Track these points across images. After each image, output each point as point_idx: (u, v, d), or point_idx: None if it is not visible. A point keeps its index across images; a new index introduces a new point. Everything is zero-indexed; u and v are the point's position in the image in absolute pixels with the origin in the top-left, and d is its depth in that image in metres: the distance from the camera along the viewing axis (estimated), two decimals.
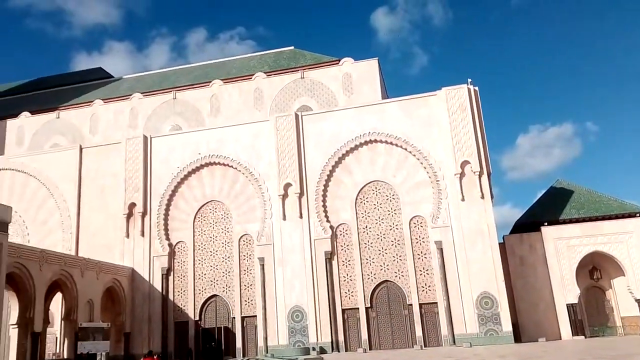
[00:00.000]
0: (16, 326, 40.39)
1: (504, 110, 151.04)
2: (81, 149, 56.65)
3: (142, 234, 52.12)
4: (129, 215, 52.75)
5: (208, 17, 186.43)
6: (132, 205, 52.86)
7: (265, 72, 63.46)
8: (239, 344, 48.58)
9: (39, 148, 64.05)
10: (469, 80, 49.82)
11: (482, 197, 46.70)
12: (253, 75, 63.70)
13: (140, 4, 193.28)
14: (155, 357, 15.91)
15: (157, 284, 50.84)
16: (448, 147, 48.05)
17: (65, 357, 44.05)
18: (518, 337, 46.56)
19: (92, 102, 67.25)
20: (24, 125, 67.29)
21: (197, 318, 50.03)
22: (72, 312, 43.49)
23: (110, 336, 45.62)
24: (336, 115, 51.71)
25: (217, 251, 51.44)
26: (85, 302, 44.40)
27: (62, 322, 45.73)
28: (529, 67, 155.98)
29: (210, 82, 64.51)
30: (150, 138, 55.29)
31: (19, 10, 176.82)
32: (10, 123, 67.47)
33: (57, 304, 46.23)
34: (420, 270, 47.09)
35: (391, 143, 49.49)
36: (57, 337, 47.41)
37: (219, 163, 52.96)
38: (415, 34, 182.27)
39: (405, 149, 49.03)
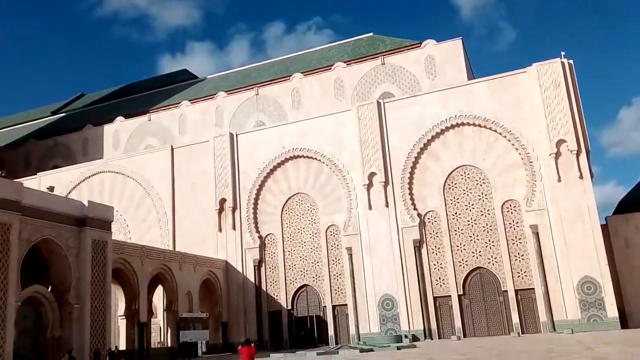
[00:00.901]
0: (124, 317, 43.11)
1: (603, 83, 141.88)
2: (172, 149, 59.18)
3: (234, 228, 53.75)
4: (220, 210, 54.56)
5: (285, 9, 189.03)
6: (223, 200, 54.62)
7: (344, 61, 63.29)
8: (331, 332, 49.07)
9: (134, 150, 67.61)
10: (562, 53, 47.13)
11: (581, 176, 44.08)
12: (332, 65, 63.73)
13: (218, 3, 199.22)
14: (252, 345, 16.16)
15: (250, 275, 52.32)
16: (541, 126, 45.71)
17: (169, 345, 46.38)
18: (625, 323, 43.65)
19: (179, 103, 70.05)
20: (119, 129, 71.27)
21: (289, 307, 51.01)
22: (173, 304, 45.69)
23: (209, 325, 47.51)
24: (420, 100, 50.67)
25: (305, 242, 52.10)
26: (185, 293, 46.49)
27: (164, 312, 48.14)
28: (629, 34, 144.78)
29: (291, 75, 65.26)
30: (236, 135, 56.80)
31: (105, 19, 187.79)
32: (107, 128, 71.69)
33: (159, 296, 48.70)
34: (515, 256, 45.27)
35: (479, 125, 47.82)
36: (160, 327, 49.98)
37: (302, 156, 53.52)
38: (500, 8, 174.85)
39: (495, 131, 47.19)
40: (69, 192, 59.32)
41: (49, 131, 78.04)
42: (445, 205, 47.94)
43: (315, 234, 51.86)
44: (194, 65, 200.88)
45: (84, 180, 61.21)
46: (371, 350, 35.28)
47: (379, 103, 51.56)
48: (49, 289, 34.34)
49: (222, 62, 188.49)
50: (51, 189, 40.07)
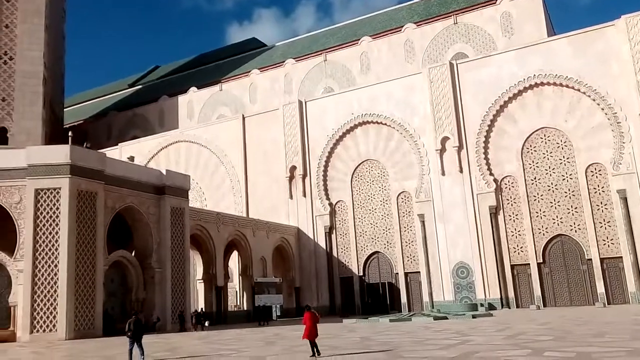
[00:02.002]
0: (202, 281, 44.82)
1: None
2: (243, 118, 59.96)
3: (304, 195, 54.17)
4: (291, 177, 55.05)
5: None
6: (293, 168, 55.02)
7: (414, 22, 61.25)
8: (403, 299, 48.90)
9: (207, 119, 69.12)
10: None
11: None
12: (402, 27, 61.86)
13: None
14: (312, 311, 16.18)
15: (321, 242, 52.78)
16: (631, 84, 42.50)
17: (245, 308, 47.92)
18: None
19: (249, 72, 70.60)
20: (193, 99, 72.92)
21: (361, 274, 51.19)
22: (248, 269, 46.98)
23: (282, 290, 48.65)
24: (495, 59, 48.33)
25: (375, 209, 51.75)
26: (259, 259, 47.64)
27: (240, 277, 49.64)
28: None
29: (359, 39, 64.00)
30: (305, 102, 56.67)
31: None
32: (181, 99, 73.55)
33: (234, 262, 50.22)
34: (600, 223, 42.93)
35: (561, 84, 45.11)
36: (236, 291, 51.67)
37: (372, 121, 52.71)
38: None
39: (578, 90, 44.36)
40: (148, 162, 61.68)
41: (127, 103, 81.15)
42: (524, 169, 45.97)
43: (386, 200, 51.35)
44: (261, 32, 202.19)
45: (161, 149, 63.40)
46: (445, 317, 34.81)
47: (451, 64, 49.66)
48: (133, 254, 36.08)
49: (288, 28, 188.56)
50: (132, 158, 41.65)
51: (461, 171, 47.62)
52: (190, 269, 40.51)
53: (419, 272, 48.44)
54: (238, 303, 51.10)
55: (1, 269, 31.54)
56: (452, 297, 46.15)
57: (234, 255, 49.30)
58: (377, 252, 51.15)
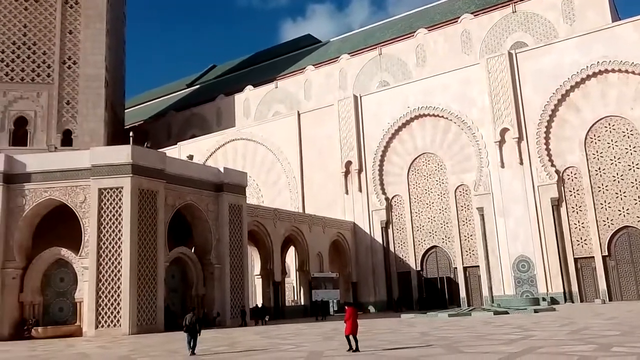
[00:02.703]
0: (259, 276, 45.50)
1: None
2: (299, 114, 60.30)
3: (360, 190, 53.95)
4: (346, 172, 54.95)
5: None
6: (349, 163, 54.88)
7: (471, 13, 59.69)
8: (462, 293, 47.96)
9: (263, 117, 69.95)
10: None
11: None
12: (459, 18, 60.43)
13: None
14: (353, 307, 16.18)
15: (378, 237, 52.44)
16: None
17: (302, 303, 48.28)
18: None
19: (304, 69, 70.87)
20: (249, 98, 73.94)
21: (418, 268, 50.54)
22: (305, 264, 47.31)
23: (339, 285, 48.69)
24: (556, 47, 46.44)
25: (433, 203, 50.91)
26: (315, 254, 47.87)
27: (297, 272, 50.05)
28: None
29: (414, 32, 63.03)
30: (360, 97, 56.37)
31: None
32: (238, 97, 74.73)
33: (291, 257, 50.67)
34: None
35: (626, 71, 42.87)
36: (293, 286, 52.15)
37: (428, 114, 51.84)
38: None
39: None
40: (206, 160, 63.09)
41: (185, 103, 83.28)
42: (587, 160, 44.04)
43: (444, 194, 50.42)
44: (315, 28, 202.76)
45: (219, 148, 64.68)
46: (506, 312, 33.85)
47: (510, 54, 48.12)
48: (193, 250, 36.99)
49: (342, 23, 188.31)
50: (191, 157, 42.82)
51: (521, 163, 46.14)
52: (248, 264, 41.16)
53: (478, 266, 47.35)
54: (295, 298, 51.56)
55: (68, 266, 33.05)
56: (513, 292, 44.86)
57: (291, 251, 49.75)
58: (435, 246, 50.35)
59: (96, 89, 58.41)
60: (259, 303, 42.87)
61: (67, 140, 56.91)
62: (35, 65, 58.04)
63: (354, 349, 15.57)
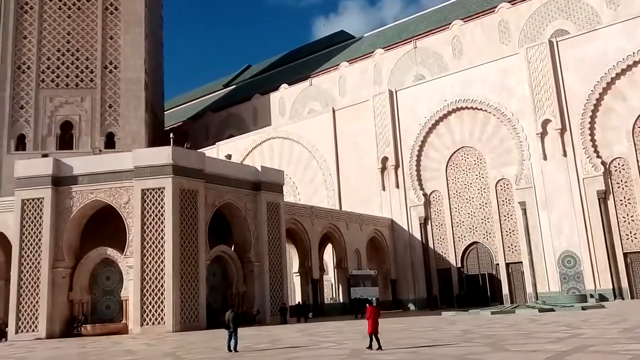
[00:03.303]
0: (298, 274, 45.68)
1: None
2: (334, 111, 60.19)
3: (397, 186, 53.50)
4: (383, 168, 54.57)
5: None
6: (385, 159, 54.50)
7: (509, 2, 58.35)
8: (505, 290, 47.00)
9: (298, 115, 70.15)
10: None
11: None
12: (496, 7, 59.18)
13: None
14: (374, 306, 16.09)
15: (416, 233, 51.92)
16: None
17: (341, 301, 48.25)
18: None
19: (338, 65, 70.71)
20: (284, 96, 74.26)
21: (459, 265, 49.81)
22: (343, 261, 47.23)
23: (378, 283, 48.40)
24: (600, 34, 44.96)
25: (473, 198, 50.06)
26: (353, 251, 47.73)
27: (335, 270, 50.03)
28: None
29: (450, 23, 62.07)
30: (395, 92, 55.87)
31: None
32: (273, 96, 75.15)
33: (329, 254, 50.70)
34: None
35: None
36: (332, 284, 52.17)
37: (466, 107, 50.97)
38: None
39: None
40: (243, 159, 63.69)
41: (222, 103, 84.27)
42: (636, 150, 42.50)
43: (484, 189, 49.52)
44: (348, 24, 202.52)
45: (256, 147, 65.19)
46: (552, 310, 32.99)
47: (550, 42, 46.82)
48: (232, 249, 37.42)
49: (374, 17, 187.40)
50: (229, 157, 43.16)
51: (565, 155, 44.88)
52: (287, 262, 41.35)
53: (521, 262, 46.33)
54: (334, 295, 51.56)
55: (113, 265, 33.91)
56: (558, 288, 43.70)
57: (329, 248, 49.77)
58: (475, 242, 49.51)
59: (137, 92, 59.74)
60: (299, 301, 43.06)
61: (110, 142, 58.43)
62: (79, 71, 59.76)
63: (377, 347, 15.55)
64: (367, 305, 16.45)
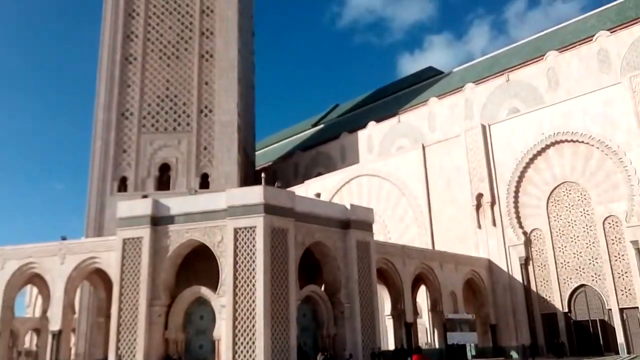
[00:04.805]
0: (390, 317, 44.01)
1: None
2: (423, 147, 58.93)
3: (494, 224, 50.90)
4: (478, 205, 52.26)
5: None
6: (480, 195, 52.22)
7: (608, 30, 55.13)
8: (620, 339, 42.70)
9: (386, 152, 69.41)
10: None
11: None
12: (593, 36, 56.08)
13: None
14: (422, 354, 14.57)
15: (517, 275, 48.81)
16: None
17: (437, 346, 45.87)
18: None
19: (427, 101, 69.63)
20: (372, 133, 73.96)
21: (565, 310, 46.05)
22: (437, 304, 45.08)
23: (476, 328, 45.67)
24: None
25: (578, 236, 46.52)
26: (448, 293, 45.50)
27: (429, 313, 47.90)
28: None
29: (544, 55, 59.48)
30: (488, 126, 53.89)
31: (345, 30, 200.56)
32: (361, 134, 75.09)
33: (422, 296, 48.68)
34: None
35: None
36: (426, 328, 49.91)
37: (566, 140, 48.07)
38: None
39: None
40: (332, 197, 63.56)
41: (311, 142, 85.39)
42: None
43: (590, 226, 45.92)
44: (433, 59, 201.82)
45: (344, 184, 64.96)
46: None
47: None
48: (322, 289, 36.74)
49: (461, 51, 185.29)
50: (318, 195, 43.09)
51: None
52: (378, 304, 40.01)
53: (637, 307, 42.04)
54: (429, 340, 49.19)
55: (207, 304, 34.25)
56: None
57: (422, 290, 47.82)
58: (583, 285, 45.69)
59: (230, 134, 61.89)
60: (397, 345, 41.19)
61: (204, 183, 60.54)
62: (176, 116, 63.01)
63: None
64: (414, 353, 15.21)
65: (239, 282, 31.83)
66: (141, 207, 35.51)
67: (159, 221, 34.82)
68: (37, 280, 40.97)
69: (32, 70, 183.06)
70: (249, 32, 79.47)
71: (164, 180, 61.29)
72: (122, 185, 60.98)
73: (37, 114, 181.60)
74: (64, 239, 39.17)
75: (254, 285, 31.52)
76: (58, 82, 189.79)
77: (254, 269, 31.79)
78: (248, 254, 32.19)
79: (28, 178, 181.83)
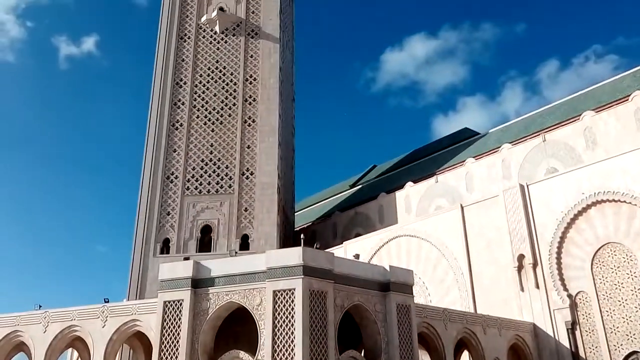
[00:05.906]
0: None
1: None
2: (462, 207, 58.72)
3: (537, 286, 49.69)
4: (520, 267, 51.27)
5: (556, 46, 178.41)
6: (521, 256, 51.32)
7: None
8: None
9: (424, 212, 69.27)
10: None
11: None
12: (629, 96, 56.05)
13: (484, 55, 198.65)
14: None
15: (563, 340, 47.09)
16: None
17: None
18: None
19: (464, 161, 69.87)
20: (410, 194, 74.17)
21: None
22: None
23: None
24: None
25: (626, 300, 44.91)
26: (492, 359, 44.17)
27: None
28: None
29: (580, 115, 59.54)
30: (527, 186, 53.57)
31: (380, 93, 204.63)
32: (398, 194, 75.36)
33: None
34: None
35: None
36: None
37: (607, 200, 47.29)
38: None
39: None
40: (371, 258, 63.38)
41: (349, 203, 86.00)
42: None
43: (638, 289, 44.37)
44: (468, 120, 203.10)
45: (383, 245, 64.80)
46: None
47: None
48: (362, 354, 36.35)
49: (494, 112, 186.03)
50: (357, 256, 43.21)
51: None
52: None
53: None
54: None
55: None
56: None
57: (465, 355, 46.57)
58: (635, 352, 43.69)
59: (270, 195, 63.33)
60: None
61: (244, 244, 61.55)
62: (219, 178, 65.09)
63: None
64: None
65: (278, 346, 31.87)
66: (183, 269, 36.28)
67: (199, 283, 35.46)
68: (78, 343, 41.64)
69: (81, 142, 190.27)
70: (289, 99, 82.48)
71: (205, 242, 62.60)
72: (165, 247, 62.53)
73: (80, 183, 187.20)
74: (106, 301, 40.02)
75: (292, 349, 31.50)
76: (104, 147, 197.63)
77: (292, 333, 31.85)
78: (287, 317, 32.35)
79: (73, 241, 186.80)
